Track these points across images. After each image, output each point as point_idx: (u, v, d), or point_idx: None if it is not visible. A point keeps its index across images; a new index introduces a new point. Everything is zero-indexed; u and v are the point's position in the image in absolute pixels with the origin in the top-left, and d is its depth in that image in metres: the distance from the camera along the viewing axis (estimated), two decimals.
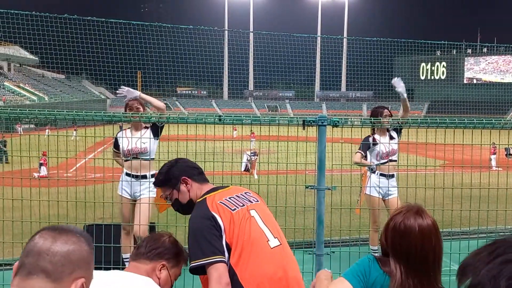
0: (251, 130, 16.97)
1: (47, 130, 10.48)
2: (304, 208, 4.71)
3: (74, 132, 12.19)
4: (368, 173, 5.62)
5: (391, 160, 5.51)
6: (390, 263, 1.87)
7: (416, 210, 1.85)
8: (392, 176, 5.60)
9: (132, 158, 4.89)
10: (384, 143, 5.47)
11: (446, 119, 4.03)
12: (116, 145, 5.14)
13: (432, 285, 1.80)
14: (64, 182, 4.96)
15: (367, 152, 5.57)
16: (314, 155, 3.92)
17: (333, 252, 4.65)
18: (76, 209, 4.47)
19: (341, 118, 3.98)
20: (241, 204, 2.44)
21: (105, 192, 4.99)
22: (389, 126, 5.55)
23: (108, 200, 5.28)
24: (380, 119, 5.17)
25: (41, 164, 14.81)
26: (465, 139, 4.25)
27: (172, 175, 2.59)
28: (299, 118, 3.98)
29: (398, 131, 5.67)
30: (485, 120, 4.11)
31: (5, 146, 16.12)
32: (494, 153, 19.03)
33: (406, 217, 1.84)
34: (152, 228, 5.31)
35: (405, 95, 5.50)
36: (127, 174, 4.95)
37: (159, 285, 2.06)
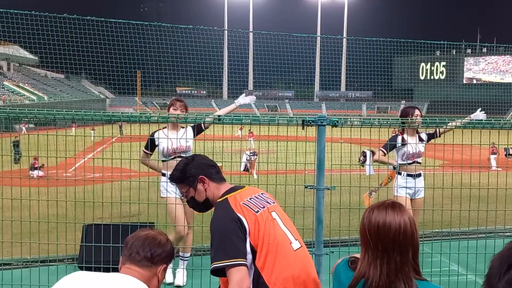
0: (250, 130, 16.97)
1: (73, 129, 10.55)
2: (304, 208, 4.70)
3: (92, 131, 12.20)
4: (396, 174, 5.51)
5: (416, 162, 5.41)
6: (360, 254, 1.89)
7: (390, 202, 1.90)
8: (419, 175, 5.50)
9: (174, 157, 4.80)
10: (411, 144, 5.33)
11: (445, 119, 4.03)
12: (149, 146, 4.89)
13: (404, 270, 1.78)
14: (63, 181, 4.96)
15: (394, 151, 5.45)
16: (313, 155, 3.92)
17: (332, 252, 4.65)
18: (75, 209, 4.46)
19: (341, 118, 3.97)
20: (262, 206, 2.42)
21: (104, 192, 4.99)
22: (415, 127, 5.37)
23: (107, 200, 5.27)
24: (408, 119, 5.11)
25: (34, 168, 14.74)
26: (464, 139, 4.25)
27: (189, 173, 2.54)
28: (299, 118, 3.98)
29: (432, 136, 5.54)
30: (485, 120, 4.11)
31: (18, 146, 16.03)
32: (493, 153, 19.09)
33: (377, 205, 1.90)
34: (151, 228, 5.30)
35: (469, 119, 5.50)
36: None
37: (158, 286, 2.04)
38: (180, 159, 4.79)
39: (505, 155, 19.54)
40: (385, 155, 5.37)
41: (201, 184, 2.52)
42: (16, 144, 15.98)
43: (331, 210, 4.40)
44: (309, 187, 3.87)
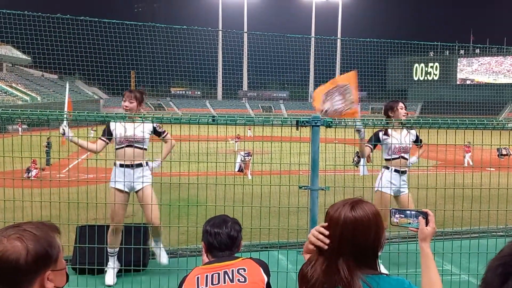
0: (241, 133, 16.97)
1: (88, 129, 10.53)
2: (298, 209, 4.70)
3: (92, 132, 12.14)
4: (382, 169, 5.52)
5: (402, 157, 5.42)
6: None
7: (351, 201, 1.89)
8: (404, 172, 5.50)
9: (126, 145, 4.86)
10: (396, 137, 5.36)
11: (438, 120, 4.05)
12: (106, 132, 4.98)
13: (358, 267, 1.76)
14: (56, 182, 4.93)
15: (382, 147, 5.46)
16: (307, 156, 3.93)
17: None
18: (69, 210, 4.44)
19: (335, 119, 3.99)
20: (216, 282, 2.38)
21: (98, 193, 4.97)
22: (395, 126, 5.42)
23: (101, 201, 5.25)
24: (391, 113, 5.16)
25: (29, 170, 14.63)
26: (457, 140, 4.27)
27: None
28: (293, 118, 3.99)
29: (418, 138, 5.60)
30: (477, 121, 4.13)
31: (49, 147, 15.76)
32: (468, 152, 19.62)
33: (336, 204, 1.92)
34: (146, 229, 5.29)
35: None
36: (122, 166, 4.89)
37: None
38: (131, 148, 4.85)
39: (498, 155, 19.71)
40: (371, 150, 5.40)
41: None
42: (49, 145, 15.77)
43: (325, 210, 4.41)
44: (303, 188, 3.88)
